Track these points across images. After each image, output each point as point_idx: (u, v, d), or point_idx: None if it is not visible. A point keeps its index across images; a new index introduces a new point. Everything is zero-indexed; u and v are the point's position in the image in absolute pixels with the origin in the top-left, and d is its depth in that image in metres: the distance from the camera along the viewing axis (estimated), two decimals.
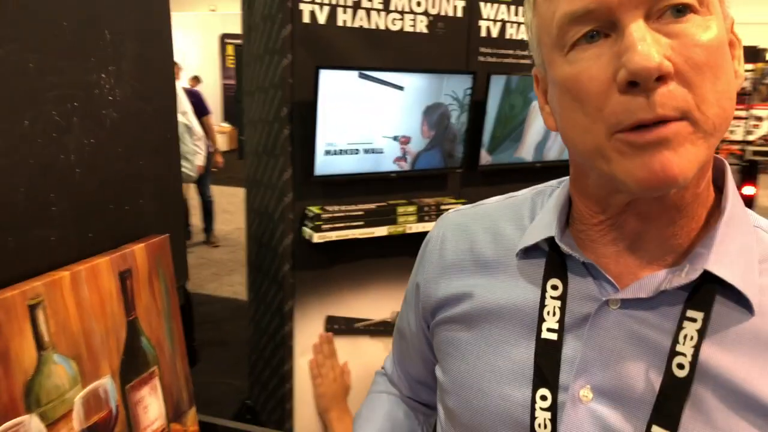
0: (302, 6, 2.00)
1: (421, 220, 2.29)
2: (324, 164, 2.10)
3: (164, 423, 0.93)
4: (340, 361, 2.38)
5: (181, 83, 5.94)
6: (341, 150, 2.11)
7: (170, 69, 1.01)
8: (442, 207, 2.32)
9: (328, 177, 2.14)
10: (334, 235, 2.14)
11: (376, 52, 2.17)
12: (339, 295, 2.33)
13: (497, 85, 2.36)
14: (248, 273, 2.62)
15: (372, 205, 2.23)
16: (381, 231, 2.24)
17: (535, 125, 2.48)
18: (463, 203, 2.33)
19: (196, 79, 7.60)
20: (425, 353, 0.76)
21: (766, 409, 0.51)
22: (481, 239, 0.66)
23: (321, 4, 2.04)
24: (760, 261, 0.54)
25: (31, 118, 0.75)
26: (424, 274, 0.70)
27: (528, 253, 0.62)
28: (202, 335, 3.45)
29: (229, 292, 4.34)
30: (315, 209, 2.14)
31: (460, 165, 2.39)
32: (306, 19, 2.03)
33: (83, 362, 0.78)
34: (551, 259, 0.60)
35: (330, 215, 2.13)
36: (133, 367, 0.87)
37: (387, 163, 2.22)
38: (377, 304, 2.41)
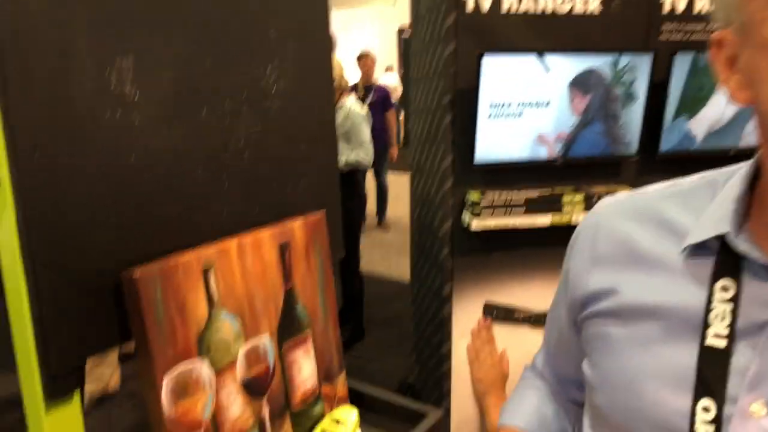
0: None
1: (589, 209, 2.18)
2: (485, 151, 2.10)
3: (316, 383, 1.02)
4: (499, 348, 2.37)
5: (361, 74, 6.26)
6: (502, 136, 2.09)
7: (328, 63, 1.09)
8: None
9: (489, 164, 2.14)
10: (493, 222, 2.14)
11: (543, 36, 2.11)
12: (498, 283, 2.31)
13: (682, 64, 2.15)
14: (411, 256, 2.72)
15: (535, 193, 2.18)
16: (543, 220, 2.18)
17: (729, 107, 2.21)
18: None
19: (389, 68, 8.08)
20: (574, 347, 0.73)
21: None
22: (639, 231, 0.61)
23: None
24: None
25: (208, 108, 0.87)
26: (575, 264, 0.68)
27: (696, 249, 0.56)
28: (371, 313, 3.65)
29: (397, 273, 4.52)
30: (474, 195, 2.15)
31: (636, 152, 2.22)
32: (470, 8, 2.04)
33: (246, 321, 0.89)
34: (723, 258, 0.54)
35: (489, 202, 2.12)
36: (288, 329, 0.97)
37: (551, 149, 2.14)
38: (539, 295, 2.35)
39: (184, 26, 0.83)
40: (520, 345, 2.38)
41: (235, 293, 0.87)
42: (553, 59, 2.06)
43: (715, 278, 0.54)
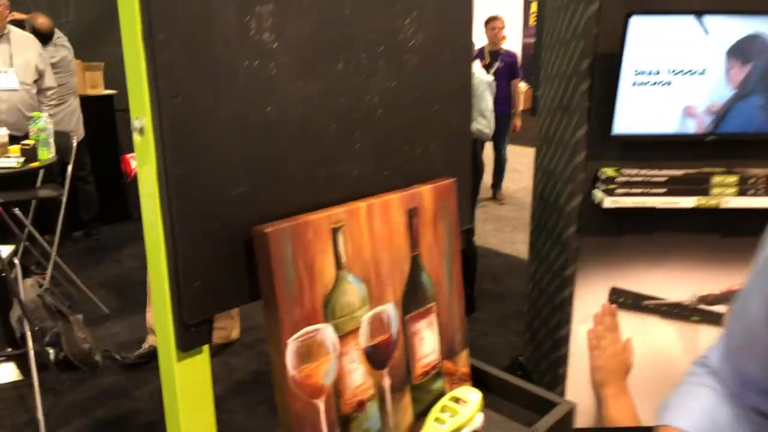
0: None
1: (743, 193, 1.93)
2: (625, 122, 1.91)
3: (438, 358, 0.97)
4: (623, 337, 2.20)
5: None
6: (646, 107, 1.89)
7: (468, 19, 1.01)
8: None
9: (629, 137, 1.95)
10: (629, 201, 1.96)
11: None
12: (628, 267, 2.13)
13: None
14: (532, 232, 2.58)
15: (679, 172, 1.96)
16: (688, 202, 1.96)
17: None
18: None
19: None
20: None
21: None
22: None
23: None
24: None
25: (345, 61, 0.83)
26: None
27: None
28: (482, 287, 3.57)
29: (510, 249, 4.37)
30: (610, 171, 1.98)
31: None
32: None
33: (371, 286, 0.85)
34: None
35: (626, 179, 1.94)
36: (413, 299, 0.92)
37: (700, 123, 1.91)
38: (673, 283, 2.14)
39: None
40: (648, 336, 2.19)
41: (362, 256, 0.83)
42: (713, 21, 1.82)
43: None
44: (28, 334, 2.39)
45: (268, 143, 0.76)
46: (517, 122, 5.28)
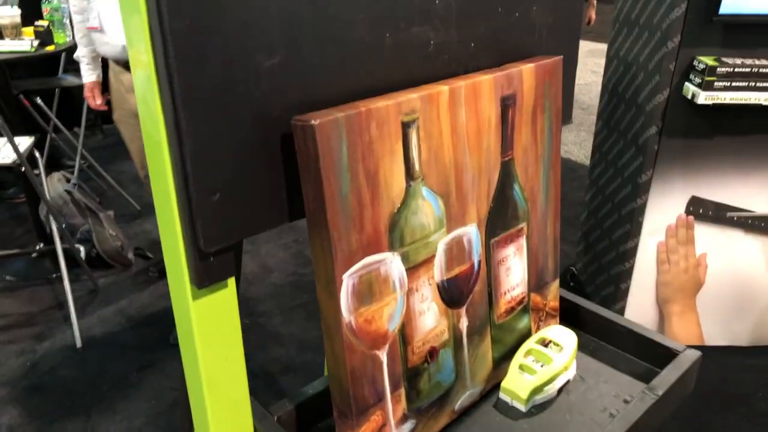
0: None
1: None
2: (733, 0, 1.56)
3: (525, 291, 0.76)
4: (698, 251, 1.97)
5: None
6: None
7: None
8: None
9: (735, 17, 1.60)
10: (728, 97, 1.65)
11: None
12: (713, 175, 1.86)
13: None
14: (598, 131, 2.29)
15: None
16: None
17: None
18: None
19: None
20: None
21: None
22: None
23: None
24: None
25: None
26: None
27: None
28: None
29: (562, 150, 4.07)
30: (708, 60, 1.65)
31: None
32: None
33: (451, 203, 0.63)
34: None
35: (728, 69, 1.62)
36: (501, 219, 0.70)
37: None
38: (764, 194, 1.87)
39: None
40: (728, 251, 1.96)
41: (441, 163, 0.61)
42: None
43: None
44: (55, 230, 2.27)
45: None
46: (592, 13, 4.28)
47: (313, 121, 0.49)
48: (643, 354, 0.77)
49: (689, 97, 1.69)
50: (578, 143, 4.22)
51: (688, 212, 1.92)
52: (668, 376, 0.69)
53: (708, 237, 1.95)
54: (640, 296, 2.06)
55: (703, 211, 1.92)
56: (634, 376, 0.75)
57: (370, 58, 0.57)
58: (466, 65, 0.65)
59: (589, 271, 2.37)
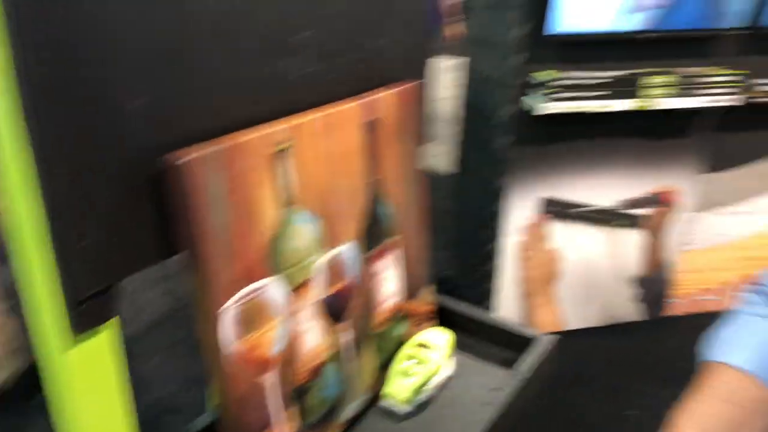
0: None
1: (680, 95, 1.87)
2: (562, 20, 1.76)
3: (401, 299, 0.81)
4: (553, 246, 2.17)
5: None
6: (585, 1, 1.75)
7: None
8: (709, 79, 1.87)
9: (566, 36, 1.80)
10: (563, 107, 1.85)
11: None
12: (559, 176, 2.07)
13: None
14: (459, 142, 2.45)
15: (613, 72, 1.87)
16: (621, 105, 1.88)
17: None
18: (744, 75, 1.83)
19: None
20: None
21: None
22: None
23: None
24: None
25: None
26: None
27: None
28: None
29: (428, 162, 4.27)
30: (544, 75, 1.84)
31: (741, 24, 1.86)
32: None
33: (326, 225, 0.66)
34: None
35: (562, 83, 1.82)
36: (374, 235, 0.74)
37: (640, 19, 1.80)
38: (602, 190, 2.11)
39: None
40: (576, 243, 2.18)
41: (313, 187, 0.64)
42: None
43: None
44: None
45: (178, 35, 0.52)
46: (448, 30, 4.89)
47: (182, 159, 0.50)
48: (508, 344, 0.85)
49: (527, 109, 1.87)
50: (443, 154, 4.45)
51: (540, 212, 2.11)
52: (528, 361, 0.78)
53: (559, 232, 2.16)
54: (507, 293, 2.23)
55: (552, 209, 2.13)
56: (504, 366, 0.83)
57: (237, 92, 0.59)
58: (331, 94, 0.69)
59: (460, 275, 2.52)
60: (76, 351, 0.52)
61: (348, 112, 0.67)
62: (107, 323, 0.54)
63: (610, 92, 1.85)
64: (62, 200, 0.47)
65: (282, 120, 0.61)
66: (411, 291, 0.83)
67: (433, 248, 2.64)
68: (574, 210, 2.13)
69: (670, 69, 1.90)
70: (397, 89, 0.74)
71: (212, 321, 0.55)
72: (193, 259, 0.53)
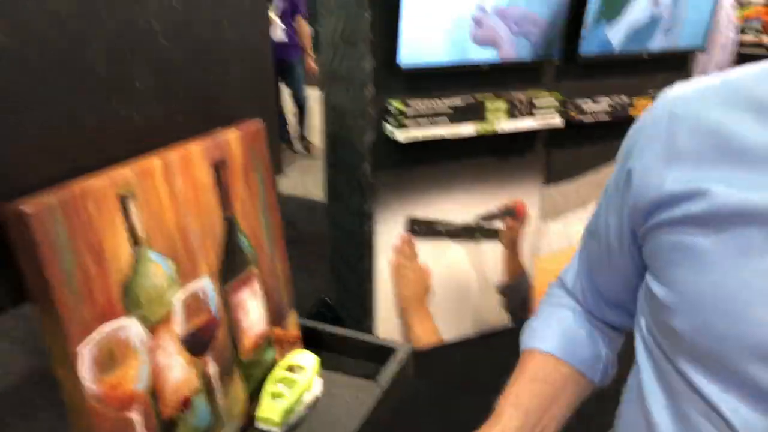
0: None
1: (512, 116, 2.09)
2: (409, 53, 1.91)
3: (266, 326, 0.85)
4: (422, 262, 2.30)
5: None
6: (428, 36, 1.91)
7: None
8: (535, 102, 2.10)
9: (413, 68, 1.96)
10: (420, 133, 1.99)
11: None
12: (421, 197, 2.21)
13: None
14: (325, 172, 2.53)
15: (458, 100, 2.05)
16: (467, 129, 2.06)
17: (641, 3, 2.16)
18: (560, 99, 2.08)
19: None
20: (625, 264, 0.63)
21: None
22: (734, 119, 0.50)
23: None
24: None
25: None
26: (642, 164, 0.55)
27: None
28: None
29: (303, 191, 4.32)
30: (398, 104, 1.98)
31: (558, 55, 2.13)
32: None
33: (180, 261, 0.69)
34: None
35: (414, 111, 1.97)
36: (231, 267, 0.78)
37: (480, 53, 2.00)
38: (461, 207, 2.28)
39: None
40: (443, 259, 2.33)
41: (164, 227, 0.67)
42: None
43: None
44: None
45: (7, 82, 0.54)
46: (310, 62, 4.78)
47: (25, 209, 0.52)
48: (372, 357, 0.91)
49: (390, 135, 2.00)
50: (317, 184, 4.53)
51: (408, 231, 2.24)
52: (388, 370, 0.85)
53: (428, 249, 2.30)
54: (384, 312, 2.32)
55: (419, 228, 2.26)
56: (370, 379, 0.89)
57: (80, 137, 0.61)
58: (173, 135, 0.72)
59: (341, 299, 2.58)
60: None
61: (194, 154, 0.71)
62: None
63: (456, 117, 2.03)
64: None
65: (126, 163, 0.63)
66: (276, 317, 0.88)
67: (315, 273, 2.67)
68: (438, 227, 2.28)
69: (504, 94, 2.12)
70: (241, 128, 0.79)
71: (70, 364, 0.56)
72: (45, 304, 0.54)
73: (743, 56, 3.13)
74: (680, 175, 0.51)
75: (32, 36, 0.56)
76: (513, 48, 2.04)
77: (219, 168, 0.75)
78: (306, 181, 4.66)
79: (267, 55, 0.90)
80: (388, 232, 2.21)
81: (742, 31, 4.77)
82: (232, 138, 0.77)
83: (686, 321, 0.50)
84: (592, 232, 0.68)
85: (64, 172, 0.59)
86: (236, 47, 0.83)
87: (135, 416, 0.62)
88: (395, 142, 1.98)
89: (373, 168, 2.08)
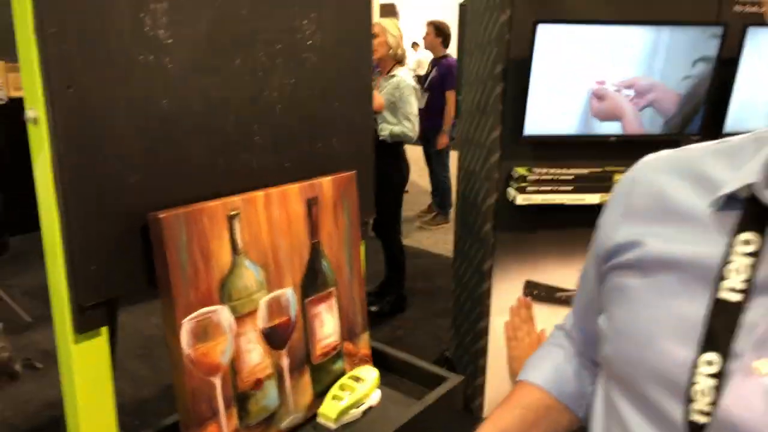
0: None
1: None
2: (535, 124, 2.03)
3: (338, 340, 1.03)
4: (538, 328, 2.33)
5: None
6: (555, 109, 2.02)
7: (368, 20, 1.08)
8: None
9: (539, 137, 2.07)
10: (539, 198, 2.08)
11: (603, 4, 2.01)
12: (541, 261, 2.26)
13: (755, 38, 2.01)
14: (455, 230, 2.69)
15: (584, 170, 2.10)
16: (593, 198, 2.10)
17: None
18: None
19: (415, 45, 7.50)
20: (598, 303, 0.71)
21: None
22: (674, 185, 0.59)
23: None
24: None
25: (242, 58, 0.88)
26: (607, 216, 0.66)
27: (726, 202, 0.54)
28: (415, 286, 3.66)
29: (443, 249, 4.50)
30: (522, 170, 2.10)
31: (698, 131, 2.10)
32: None
33: (270, 271, 0.90)
34: (749, 211, 0.52)
35: (537, 177, 2.07)
36: (313, 283, 0.98)
37: (608, 125, 2.06)
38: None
39: None
40: None
41: (259, 243, 0.88)
42: (613, 30, 1.96)
43: (738, 231, 0.52)
44: None
45: (165, 134, 0.80)
46: (443, 139, 4.62)
47: (160, 215, 0.76)
48: (427, 382, 1.04)
49: (511, 199, 2.11)
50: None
51: (525, 294, 2.29)
52: (435, 394, 0.97)
53: (544, 315, 2.32)
54: (496, 370, 2.36)
55: (537, 292, 2.30)
56: (418, 398, 1.02)
57: (208, 176, 0.86)
58: (281, 179, 0.95)
59: (458, 353, 2.67)
60: (77, 346, 0.77)
61: (291, 191, 0.93)
62: (103, 329, 0.79)
63: (580, 186, 2.08)
64: (80, 242, 0.73)
65: (238, 195, 0.87)
66: (349, 334, 1.05)
67: (443, 329, 2.83)
68: (556, 293, 2.30)
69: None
70: (334, 177, 1.00)
71: (176, 331, 0.78)
72: (165, 286, 0.78)
73: None
74: (629, 229, 0.60)
75: (185, 104, 0.82)
76: (638, 122, 2.06)
77: (311, 204, 0.96)
78: (448, 239, 4.83)
79: (368, 124, 1.11)
80: (507, 293, 2.28)
81: None
82: (325, 183, 0.98)
83: (612, 348, 0.59)
84: (581, 279, 0.76)
85: (196, 196, 0.84)
86: (341, 117, 1.05)
87: (217, 381, 0.83)
88: (517, 206, 2.09)
89: (494, 228, 2.20)
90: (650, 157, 0.64)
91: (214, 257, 0.82)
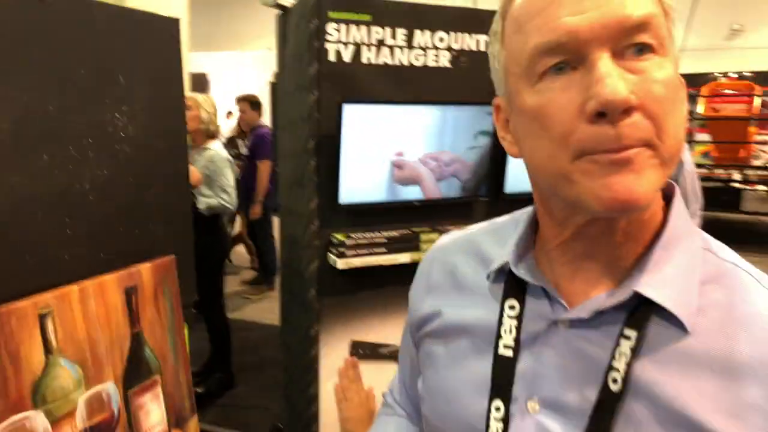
0: (328, 45, 2.13)
1: None
2: (349, 192, 2.19)
3: (165, 428, 1.01)
4: (366, 385, 2.43)
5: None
6: (365, 179, 2.20)
7: (181, 109, 1.12)
8: None
9: (353, 205, 2.23)
10: (358, 262, 2.22)
11: (400, 87, 2.27)
12: (364, 321, 2.39)
13: None
14: (281, 298, 2.72)
15: (395, 232, 2.30)
16: (404, 258, 2.30)
17: None
18: None
19: (229, 114, 7.39)
20: (419, 369, 0.79)
21: (694, 426, 0.53)
22: (463, 262, 0.71)
23: (346, 43, 2.16)
24: (702, 282, 0.57)
25: (50, 153, 0.87)
26: (414, 291, 0.77)
27: (496, 275, 0.67)
28: (243, 359, 3.57)
29: (269, 318, 4.46)
30: (340, 236, 2.23)
31: (486, 194, 2.43)
32: (332, 57, 2.15)
33: (88, 367, 0.88)
34: (511, 282, 0.65)
35: (354, 242, 2.21)
36: (136, 374, 0.96)
37: (412, 191, 2.29)
38: (401, 329, 2.45)
39: (25, 73, 0.83)
40: (387, 381, 2.44)
41: (75, 339, 0.86)
42: (409, 109, 2.23)
43: (504, 297, 0.65)
44: None
45: None
46: (255, 209, 4.44)
47: None
48: None
49: (332, 264, 2.22)
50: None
51: (352, 354, 2.39)
52: None
53: (371, 372, 2.43)
54: None
55: (362, 351, 2.41)
56: None
57: (16, 273, 0.83)
58: (98, 269, 0.94)
59: (291, 422, 2.66)
60: None
61: (108, 282, 0.92)
62: None
63: (392, 248, 2.27)
64: None
65: (50, 291, 0.84)
66: (177, 420, 1.04)
67: (276, 401, 2.77)
68: (381, 349, 2.43)
69: (439, 227, 2.38)
70: (154, 263, 1.01)
71: None
72: None
73: None
74: (431, 301, 0.72)
75: None
76: (436, 187, 2.33)
77: (130, 293, 0.96)
78: (274, 308, 4.79)
79: (186, 207, 1.14)
80: (334, 356, 2.35)
81: None
82: (143, 269, 0.99)
83: (426, 407, 0.70)
84: (402, 348, 0.87)
85: (6, 297, 0.80)
86: (158, 202, 1.07)
87: None
88: (338, 270, 2.20)
89: (318, 294, 2.28)
90: (444, 240, 0.78)
91: (25, 360, 0.79)
